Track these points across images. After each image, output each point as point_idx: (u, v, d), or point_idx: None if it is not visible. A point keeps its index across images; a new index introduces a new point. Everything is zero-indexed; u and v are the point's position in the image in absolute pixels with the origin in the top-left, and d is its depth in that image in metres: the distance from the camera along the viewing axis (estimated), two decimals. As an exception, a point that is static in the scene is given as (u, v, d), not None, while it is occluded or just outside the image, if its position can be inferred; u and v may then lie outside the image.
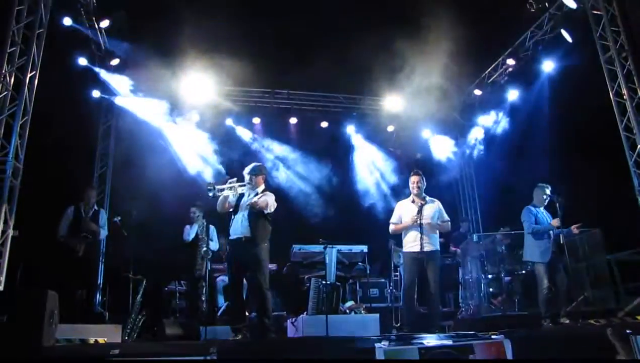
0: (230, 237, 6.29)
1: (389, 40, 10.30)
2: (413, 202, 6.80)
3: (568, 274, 6.97)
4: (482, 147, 13.04)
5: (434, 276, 6.54)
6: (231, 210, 6.38)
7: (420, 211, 6.64)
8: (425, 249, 6.51)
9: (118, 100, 11.08)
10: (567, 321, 6.74)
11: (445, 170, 13.20)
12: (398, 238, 7.41)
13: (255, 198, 6.22)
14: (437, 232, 6.80)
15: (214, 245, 8.65)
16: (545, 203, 7.36)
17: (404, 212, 6.81)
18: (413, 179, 6.82)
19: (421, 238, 6.52)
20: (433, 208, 6.74)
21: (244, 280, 6.56)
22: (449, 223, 6.90)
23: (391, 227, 6.91)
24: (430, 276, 6.53)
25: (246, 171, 6.45)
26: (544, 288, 7.00)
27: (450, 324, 8.90)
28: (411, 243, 6.61)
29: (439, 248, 6.73)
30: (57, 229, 7.74)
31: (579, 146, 9.81)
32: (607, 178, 8.92)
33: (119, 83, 10.96)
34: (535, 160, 10.84)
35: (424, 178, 6.88)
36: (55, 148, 9.00)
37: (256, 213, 6.19)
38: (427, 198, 6.81)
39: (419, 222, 6.57)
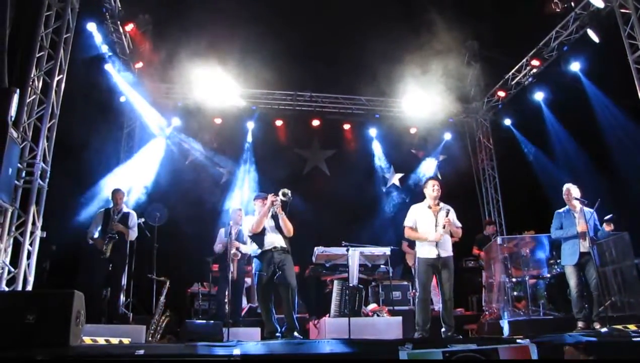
0: (266, 248, 6.68)
1: (411, 42, 10.28)
2: (429, 207, 6.72)
3: (597, 278, 6.86)
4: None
5: (449, 282, 6.49)
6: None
7: (437, 218, 6.61)
8: (442, 255, 6.49)
9: (139, 104, 11.24)
10: (598, 326, 6.63)
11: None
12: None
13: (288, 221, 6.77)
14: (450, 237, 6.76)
15: (247, 248, 8.68)
16: (577, 203, 7.21)
17: (419, 216, 6.73)
18: (433, 183, 6.77)
19: (437, 245, 6.50)
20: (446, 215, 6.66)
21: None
22: (460, 229, 6.83)
23: (407, 232, 6.82)
24: (446, 281, 6.49)
25: (284, 194, 6.77)
26: (572, 289, 6.97)
27: (474, 328, 8.83)
28: (427, 249, 6.56)
29: (452, 254, 6.68)
30: (87, 231, 7.93)
31: (607, 147, 9.67)
32: (636, 179, 8.78)
33: (141, 85, 11.14)
34: (561, 162, 10.72)
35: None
36: (81, 150, 9.18)
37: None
38: (441, 204, 6.74)
39: (438, 230, 6.53)
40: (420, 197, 7.00)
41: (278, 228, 6.76)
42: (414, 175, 13.32)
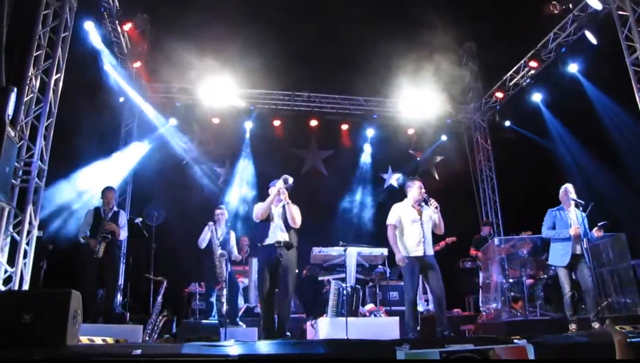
0: (267, 243, 6.59)
1: (409, 43, 10.29)
2: (412, 206, 6.68)
3: (593, 278, 6.84)
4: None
5: (438, 281, 6.43)
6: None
7: (422, 216, 6.59)
8: (427, 253, 6.48)
9: (137, 104, 11.25)
10: (597, 326, 6.62)
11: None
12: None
13: (294, 211, 6.65)
14: None
15: (234, 252, 8.65)
16: (572, 205, 7.21)
17: (404, 214, 6.65)
18: (418, 184, 6.70)
19: (424, 242, 6.47)
20: (430, 212, 6.65)
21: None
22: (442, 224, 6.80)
23: (390, 231, 6.67)
24: (435, 282, 6.43)
25: (284, 181, 6.69)
26: (566, 292, 6.94)
27: (471, 328, 8.85)
28: (414, 246, 6.48)
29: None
30: (78, 231, 7.86)
31: (604, 149, 9.70)
32: (633, 181, 8.80)
33: (139, 84, 11.14)
34: (559, 163, 10.74)
35: None
36: (78, 150, 9.17)
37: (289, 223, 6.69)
38: (422, 204, 6.71)
39: (422, 225, 6.52)
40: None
41: (285, 222, 6.69)
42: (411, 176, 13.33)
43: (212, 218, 8.57)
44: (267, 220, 6.67)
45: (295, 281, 6.66)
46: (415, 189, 6.69)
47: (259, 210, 6.70)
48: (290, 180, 6.65)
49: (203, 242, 8.40)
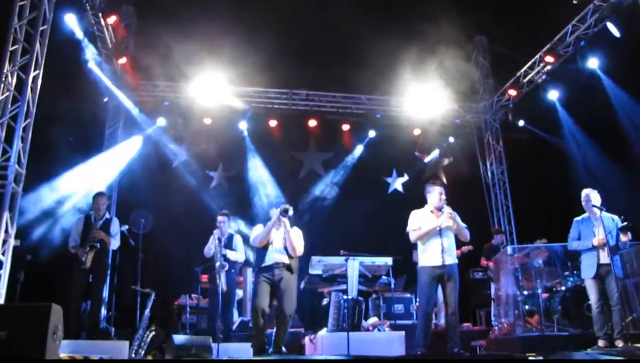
0: (264, 265, 6.56)
1: (416, 37, 10.25)
2: (432, 212, 6.70)
3: (619, 292, 6.76)
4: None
5: (454, 292, 6.45)
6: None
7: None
8: (447, 262, 6.44)
9: (122, 103, 11.22)
10: (621, 344, 6.54)
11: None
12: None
13: (295, 239, 6.63)
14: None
15: (241, 256, 8.56)
16: (599, 212, 7.10)
17: (423, 220, 6.69)
18: (439, 190, 6.73)
19: (442, 251, 6.44)
20: (448, 220, 6.62)
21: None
22: (467, 230, 6.78)
23: (412, 235, 6.74)
24: (451, 292, 6.44)
25: (283, 212, 6.62)
26: (593, 305, 6.92)
27: (482, 344, 8.78)
28: (432, 255, 6.49)
29: (457, 262, 6.66)
30: (68, 240, 7.84)
31: (625, 152, 9.66)
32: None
33: (124, 81, 11.09)
34: (577, 166, 10.69)
35: None
36: (58, 152, 9.12)
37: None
38: (443, 208, 6.70)
39: (442, 227, 6.51)
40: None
41: (285, 246, 6.66)
42: (418, 180, 13.26)
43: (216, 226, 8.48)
44: (266, 244, 6.65)
45: (293, 306, 6.57)
46: (435, 195, 6.73)
47: (257, 236, 6.66)
48: (291, 210, 6.59)
49: (209, 251, 8.35)
